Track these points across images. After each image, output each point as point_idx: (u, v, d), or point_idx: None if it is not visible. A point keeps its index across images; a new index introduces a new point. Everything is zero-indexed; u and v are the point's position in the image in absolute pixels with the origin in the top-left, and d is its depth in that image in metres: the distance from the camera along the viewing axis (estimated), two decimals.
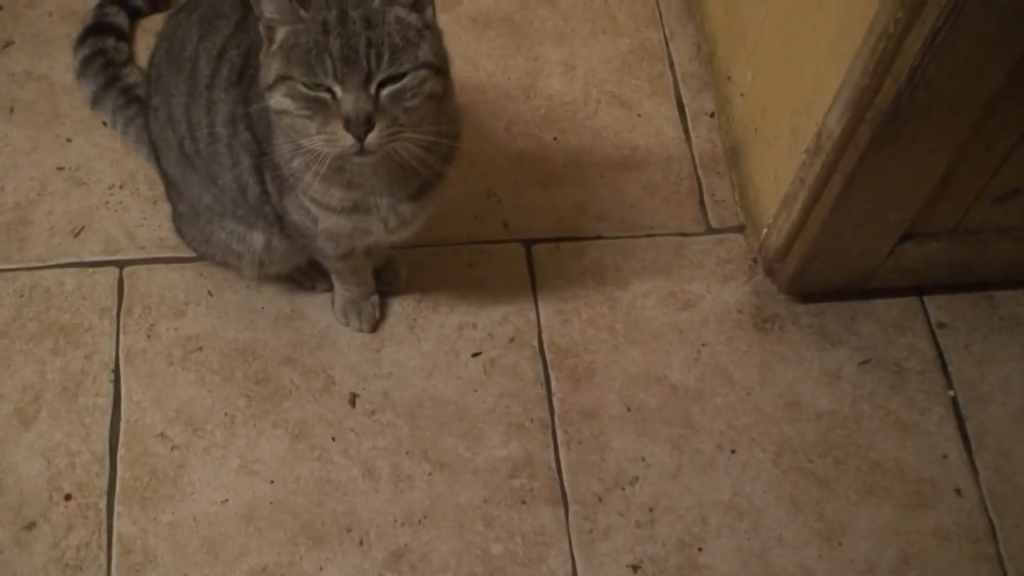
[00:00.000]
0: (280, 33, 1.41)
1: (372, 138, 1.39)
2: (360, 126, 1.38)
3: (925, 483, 1.85)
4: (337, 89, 1.38)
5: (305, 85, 1.39)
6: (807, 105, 1.78)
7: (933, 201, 1.77)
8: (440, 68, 1.44)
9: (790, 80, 1.86)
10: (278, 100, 1.42)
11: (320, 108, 1.40)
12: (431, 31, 1.44)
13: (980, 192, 1.77)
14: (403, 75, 1.39)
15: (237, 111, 1.58)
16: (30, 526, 1.73)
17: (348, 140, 1.39)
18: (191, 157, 1.69)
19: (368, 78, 1.38)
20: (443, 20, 2.19)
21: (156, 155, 1.81)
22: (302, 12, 1.38)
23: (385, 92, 1.39)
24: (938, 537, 1.81)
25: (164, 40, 1.74)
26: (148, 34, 2.10)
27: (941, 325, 1.99)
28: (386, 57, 1.38)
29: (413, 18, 1.42)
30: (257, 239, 1.76)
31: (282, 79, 1.40)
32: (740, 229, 2.06)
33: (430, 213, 1.67)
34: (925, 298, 2.02)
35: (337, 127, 1.39)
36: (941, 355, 1.97)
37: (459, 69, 2.14)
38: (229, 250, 1.79)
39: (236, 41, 1.60)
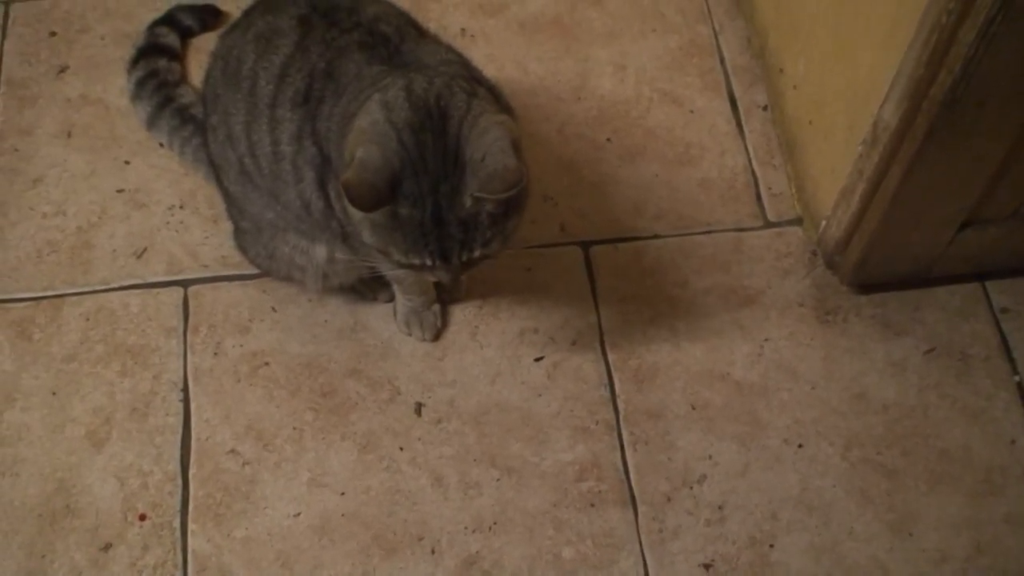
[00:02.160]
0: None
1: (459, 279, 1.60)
2: (451, 283, 1.62)
3: (995, 470, 1.84)
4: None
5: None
6: (862, 97, 1.77)
7: (992, 188, 1.75)
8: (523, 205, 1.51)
9: (844, 72, 1.84)
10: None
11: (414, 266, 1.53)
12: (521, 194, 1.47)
13: None
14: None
15: (304, 129, 1.59)
16: (106, 547, 1.75)
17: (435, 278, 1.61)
18: (252, 175, 1.70)
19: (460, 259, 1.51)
20: (490, 25, 2.25)
21: (216, 174, 1.82)
22: (400, 210, 1.44)
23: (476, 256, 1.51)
24: (1010, 524, 1.80)
25: (219, 59, 1.74)
26: (200, 53, 2.12)
27: (1004, 310, 1.98)
28: (478, 251, 1.49)
29: (502, 210, 1.46)
30: (320, 252, 1.77)
31: (376, 249, 1.51)
32: (798, 222, 2.06)
33: None
34: (987, 284, 2.00)
35: (428, 275, 1.58)
36: (1005, 341, 1.95)
37: (509, 74, 2.17)
38: (293, 264, 1.81)
39: (298, 64, 1.60)
